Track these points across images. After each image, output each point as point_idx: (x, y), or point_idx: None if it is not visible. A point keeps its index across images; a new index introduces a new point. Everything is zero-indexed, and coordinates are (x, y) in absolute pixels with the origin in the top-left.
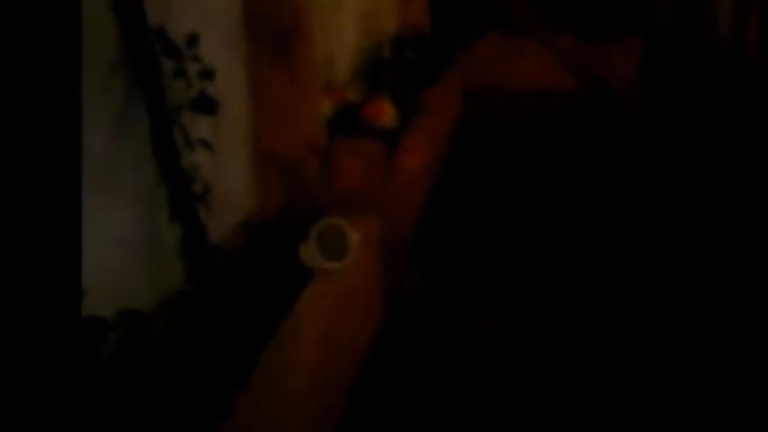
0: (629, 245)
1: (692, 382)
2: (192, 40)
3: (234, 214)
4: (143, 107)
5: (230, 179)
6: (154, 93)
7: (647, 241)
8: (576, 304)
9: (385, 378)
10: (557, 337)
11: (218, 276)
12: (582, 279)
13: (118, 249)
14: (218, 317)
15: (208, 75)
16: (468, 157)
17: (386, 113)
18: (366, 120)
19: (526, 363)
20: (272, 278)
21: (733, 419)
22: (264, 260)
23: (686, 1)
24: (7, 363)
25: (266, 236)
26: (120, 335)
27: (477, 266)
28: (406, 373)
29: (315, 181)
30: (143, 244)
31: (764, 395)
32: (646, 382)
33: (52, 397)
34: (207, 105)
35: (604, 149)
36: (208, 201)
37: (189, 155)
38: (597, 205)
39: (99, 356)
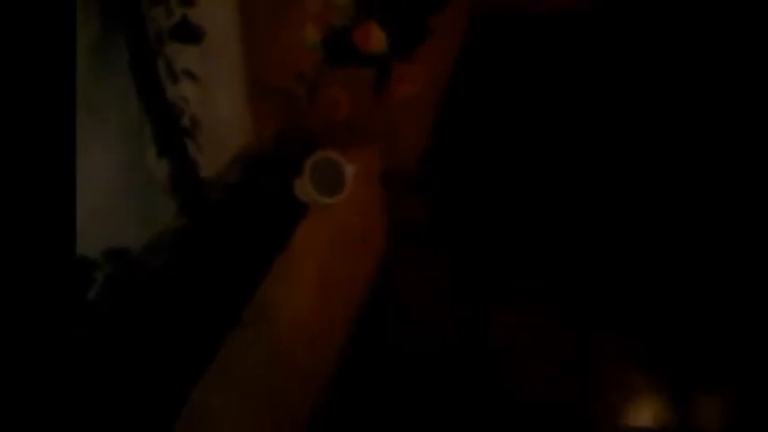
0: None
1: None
2: None
3: (227, 147)
4: (122, 38)
5: (221, 111)
6: (132, 22)
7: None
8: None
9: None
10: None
11: (210, 211)
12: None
13: (105, 188)
14: (210, 253)
15: (188, 0)
16: (472, 88)
17: (375, 38)
18: (355, 46)
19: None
20: (266, 213)
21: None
22: (259, 194)
23: None
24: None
25: (261, 169)
26: (107, 275)
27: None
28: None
29: (305, 111)
30: (131, 182)
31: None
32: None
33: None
34: (190, 33)
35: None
36: (196, 135)
37: (174, 87)
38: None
39: (86, 298)
